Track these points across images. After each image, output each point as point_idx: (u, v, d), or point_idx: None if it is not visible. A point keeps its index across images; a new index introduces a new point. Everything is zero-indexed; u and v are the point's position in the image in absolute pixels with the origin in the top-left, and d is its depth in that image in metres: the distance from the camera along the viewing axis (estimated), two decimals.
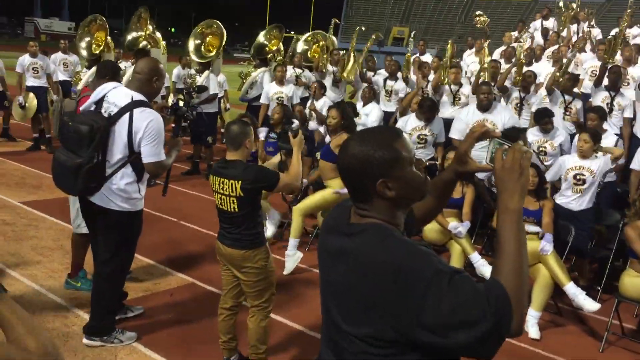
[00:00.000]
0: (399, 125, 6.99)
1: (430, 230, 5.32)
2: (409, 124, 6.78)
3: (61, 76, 10.58)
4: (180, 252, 5.79)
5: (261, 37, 10.36)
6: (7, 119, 10.45)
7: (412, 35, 10.28)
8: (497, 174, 1.55)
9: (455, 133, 6.61)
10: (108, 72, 4.49)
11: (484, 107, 6.42)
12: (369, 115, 7.71)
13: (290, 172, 3.62)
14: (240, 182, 3.38)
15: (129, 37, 7.63)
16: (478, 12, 10.22)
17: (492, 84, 7.43)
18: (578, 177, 5.50)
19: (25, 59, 9.92)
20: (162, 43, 9.55)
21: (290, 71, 9.49)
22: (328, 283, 1.65)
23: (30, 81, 9.91)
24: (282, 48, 10.43)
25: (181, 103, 5.06)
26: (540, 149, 6.39)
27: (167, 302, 4.67)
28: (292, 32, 36.20)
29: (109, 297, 3.98)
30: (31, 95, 9.80)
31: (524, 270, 1.45)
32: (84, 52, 8.31)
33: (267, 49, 10.26)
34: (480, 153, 1.88)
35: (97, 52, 7.97)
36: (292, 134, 3.76)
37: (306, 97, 9.13)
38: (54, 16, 68.29)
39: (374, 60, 10.55)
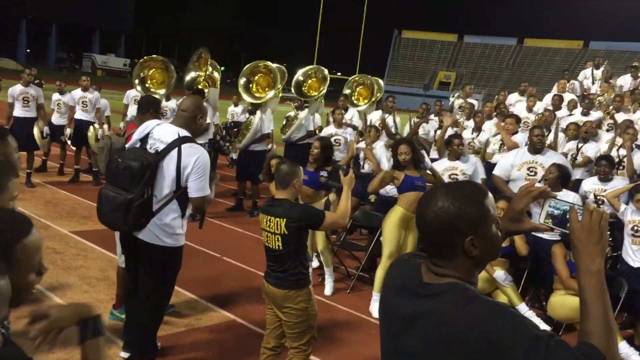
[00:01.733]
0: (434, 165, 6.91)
1: None
2: (441, 164, 6.62)
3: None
4: (222, 288, 5.81)
5: (299, 76, 10.42)
6: (64, 154, 10.43)
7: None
8: (576, 235, 1.50)
9: (498, 170, 6.50)
10: (150, 107, 4.76)
11: (537, 149, 6.35)
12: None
13: (338, 210, 3.64)
14: (285, 220, 3.41)
15: (188, 77, 7.81)
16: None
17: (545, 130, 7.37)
18: (635, 229, 5.34)
19: (77, 92, 10.06)
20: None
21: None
22: (401, 351, 1.54)
23: (78, 114, 9.96)
24: (323, 90, 10.37)
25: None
26: (598, 197, 6.23)
27: (208, 339, 4.66)
28: (339, 74, 36.68)
29: (148, 332, 3.99)
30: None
31: (613, 331, 1.43)
32: (141, 91, 8.54)
33: (303, 88, 10.35)
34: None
35: (153, 89, 8.23)
36: (342, 172, 3.79)
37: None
38: (111, 52, 71.07)
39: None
